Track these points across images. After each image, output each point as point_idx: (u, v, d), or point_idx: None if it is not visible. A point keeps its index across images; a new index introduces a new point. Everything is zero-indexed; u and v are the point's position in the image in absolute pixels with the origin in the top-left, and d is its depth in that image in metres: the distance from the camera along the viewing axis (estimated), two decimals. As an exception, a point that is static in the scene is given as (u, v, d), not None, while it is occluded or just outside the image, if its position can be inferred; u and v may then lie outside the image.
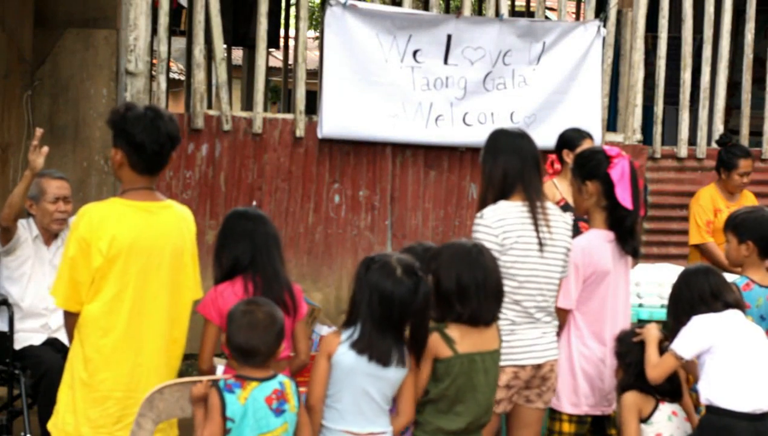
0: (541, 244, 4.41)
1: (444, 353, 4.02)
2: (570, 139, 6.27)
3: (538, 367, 4.43)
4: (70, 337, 4.07)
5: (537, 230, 4.40)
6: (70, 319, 4.04)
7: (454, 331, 4.04)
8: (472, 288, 4.03)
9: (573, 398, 4.68)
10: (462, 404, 4.05)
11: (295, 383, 3.79)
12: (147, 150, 3.96)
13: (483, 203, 4.47)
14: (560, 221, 4.52)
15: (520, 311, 4.40)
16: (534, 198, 4.43)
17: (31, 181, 5.52)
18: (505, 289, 4.24)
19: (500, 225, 4.36)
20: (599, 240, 4.66)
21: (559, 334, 4.66)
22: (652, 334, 4.58)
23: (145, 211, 4.01)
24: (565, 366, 4.66)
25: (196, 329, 4.24)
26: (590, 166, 4.69)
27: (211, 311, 4.13)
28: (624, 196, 4.62)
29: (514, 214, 4.40)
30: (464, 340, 4.04)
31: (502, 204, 4.42)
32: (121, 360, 3.97)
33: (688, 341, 4.47)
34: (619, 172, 4.63)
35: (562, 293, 4.58)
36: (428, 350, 4.02)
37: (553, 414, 4.73)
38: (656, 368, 4.52)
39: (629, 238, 4.70)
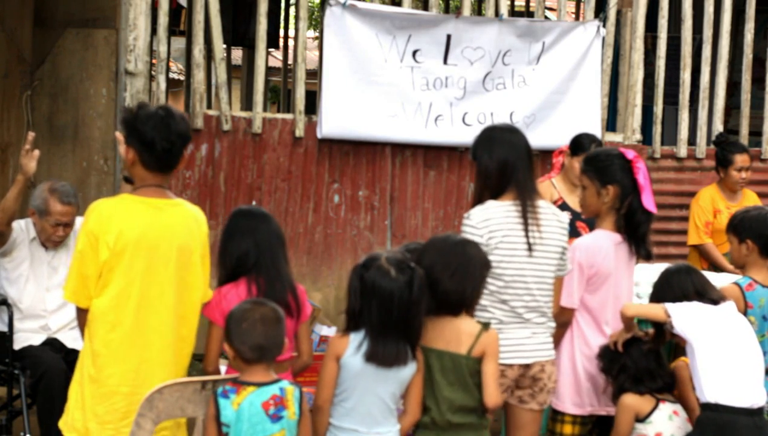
0: (529, 244, 4.41)
1: None
2: (575, 145, 6.25)
3: (527, 367, 4.42)
4: (82, 333, 4.09)
5: (526, 230, 4.40)
6: (81, 315, 4.07)
7: None
8: (438, 273, 4.05)
9: (576, 398, 4.68)
10: (426, 398, 4.06)
11: (299, 390, 3.78)
12: (157, 147, 4.00)
13: (479, 200, 4.48)
14: (553, 221, 4.51)
15: (507, 311, 4.39)
16: (525, 197, 4.43)
17: (25, 186, 5.47)
18: (492, 288, 4.29)
19: (486, 225, 4.37)
20: (605, 241, 4.66)
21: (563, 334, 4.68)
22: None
23: (153, 207, 4.05)
24: (567, 366, 4.67)
25: (200, 330, 4.24)
26: (612, 170, 4.68)
27: (215, 313, 4.14)
28: (649, 201, 4.64)
29: (500, 214, 4.40)
30: (426, 334, 4.04)
31: (490, 204, 4.43)
32: (128, 355, 3.99)
33: (684, 312, 4.46)
34: (643, 177, 4.64)
35: (565, 292, 4.59)
36: None
37: (555, 415, 4.73)
38: (636, 306, 4.56)
39: (643, 241, 4.70)
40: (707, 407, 4.39)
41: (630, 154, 4.72)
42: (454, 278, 4.08)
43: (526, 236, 4.40)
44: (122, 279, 3.97)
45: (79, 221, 5.26)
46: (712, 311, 4.52)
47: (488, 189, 4.48)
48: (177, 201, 4.16)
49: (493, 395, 4.10)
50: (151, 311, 4.02)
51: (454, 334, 4.08)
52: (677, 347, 4.94)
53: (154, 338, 4.02)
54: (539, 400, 4.47)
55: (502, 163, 4.46)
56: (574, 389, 4.68)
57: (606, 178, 4.67)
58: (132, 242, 3.97)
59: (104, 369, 3.98)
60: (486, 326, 4.13)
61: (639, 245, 4.71)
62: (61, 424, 4.08)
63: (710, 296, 4.58)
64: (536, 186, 4.57)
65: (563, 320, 4.65)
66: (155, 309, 4.02)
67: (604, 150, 4.93)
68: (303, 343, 4.31)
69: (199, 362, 4.32)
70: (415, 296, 3.91)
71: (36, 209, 5.64)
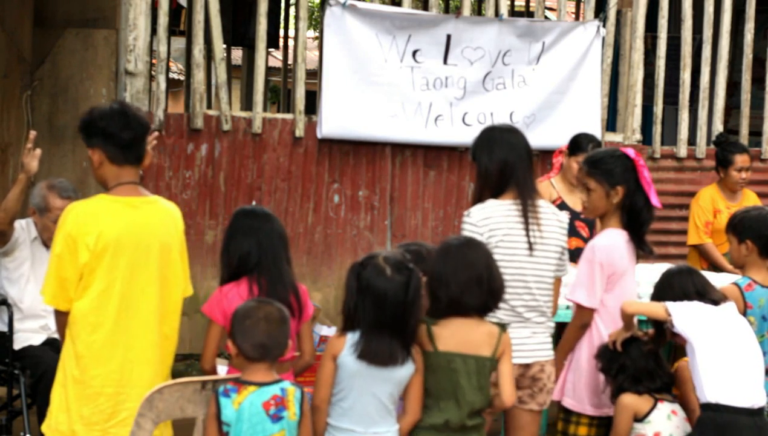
0: (530, 243, 4.40)
1: (426, 347, 4.01)
2: (574, 145, 6.25)
3: (527, 367, 4.42)
4: (61, 336, 4.08)
5: (527, 229, 4.40)
6: (60, 318, 4.05)
7: (443, 328, 4.02)
8: (444, 277, 4.01)
9: (595, 399, 4.66)
10: (444, 400, 4.02)
11: (301, 391, 3.78)
12: (122, 136, 4.02)
13: (479, 200, 4.47)
14: (553, 220, 4.51)
15: (507, 310, 4.38)
16: (525, 196, 4.42)
17: (27, 185, 5.47)
18: None
19: (486, 223, 4.37)
20: (619, 239, 4.66)
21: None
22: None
23: (130, 206, 4.04)
24: (586, 367, 4.64)
25: (199, 330, 4.24)
26: (619, 171, 4.68)
27: (215, 312, 4.14)
28: (656, 199, 4.65)
29: (500, 213, 4.40)
30: (449, 339, 4.01)
31: (490, 203, 4.43)
32: (112, 356, 3.99)
33: (684, 311, 4.46)
34: (647, 176, 4.66)
35: (584, 292, 4.57)
36: (417, 341, 4.03)
37: (569, 416, 4.69)
38: (637, 304, 4.54)
39: (644, 239, 4.72)
40: (708, 407, 4.39)
41: (630, 152, 4.73)
42: (480, 280, 4.04)
43: (527, 235, 4.40)
44: (103, 280, 3.97)
45: None
46: (712, 311, 4.52)
47: (488, 190, 4.48)
48: (152, 198, 4.15)
49: (512, 395, 4.08)
50: (133, 311, 4.01)
51: (474, 336, 4.03)
52: (677, 347, 4.93)
53: (137, 338, 4.02)
54: (539, 400, 4.46)
55: (501, 163, 4.46)
56: (593, 389, 4.65)
57: (614, 180, 4.67)
58: (112, 242, 3.96)
59: (88, 371, 3.98)
60: (503, 326, 4.10)
61: (641, 242, 4.72)
62: (44, 428, 4.07)
63: (711, 297, 4.58)
64: (536, 185, 4.57)
65: (583, 321, 4.63)
66: (137, 309, 4.02)
67: (606, 151, 4.93)
68: (305, 343, 4.31)
69: (198, 362, 4.32)
70: (410, 297, 3.89)
71: (36, 207, 5.65)
